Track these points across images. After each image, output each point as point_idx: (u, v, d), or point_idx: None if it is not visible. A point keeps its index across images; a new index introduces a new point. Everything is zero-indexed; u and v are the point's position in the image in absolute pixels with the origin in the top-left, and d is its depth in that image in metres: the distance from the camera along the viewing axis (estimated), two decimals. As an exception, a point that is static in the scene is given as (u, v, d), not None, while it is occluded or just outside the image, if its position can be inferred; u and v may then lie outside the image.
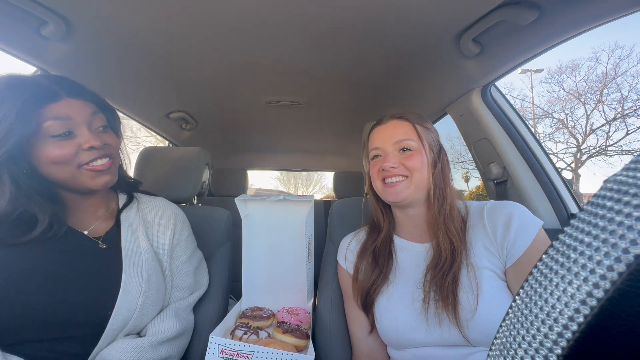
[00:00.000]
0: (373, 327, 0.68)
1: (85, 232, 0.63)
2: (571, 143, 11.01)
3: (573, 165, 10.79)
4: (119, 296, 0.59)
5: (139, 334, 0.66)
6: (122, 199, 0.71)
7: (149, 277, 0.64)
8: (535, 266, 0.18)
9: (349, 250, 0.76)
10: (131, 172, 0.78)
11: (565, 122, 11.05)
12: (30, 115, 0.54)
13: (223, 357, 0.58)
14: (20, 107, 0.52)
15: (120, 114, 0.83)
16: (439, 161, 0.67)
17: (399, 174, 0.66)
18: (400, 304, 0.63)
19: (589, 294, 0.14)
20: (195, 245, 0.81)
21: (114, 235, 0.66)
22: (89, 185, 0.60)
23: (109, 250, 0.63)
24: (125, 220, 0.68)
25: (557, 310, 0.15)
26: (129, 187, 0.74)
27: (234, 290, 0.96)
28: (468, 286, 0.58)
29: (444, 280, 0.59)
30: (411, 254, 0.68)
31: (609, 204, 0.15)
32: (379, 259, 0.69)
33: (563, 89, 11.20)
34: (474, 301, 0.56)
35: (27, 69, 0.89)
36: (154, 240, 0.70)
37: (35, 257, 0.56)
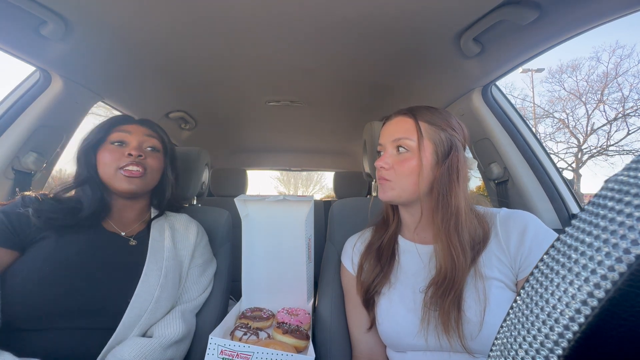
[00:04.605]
0: (372, 324, 0.68)
1: (123, 234, 0.75)
2: (572, 143, 11.02)
3: (574, 165, 10.80)
4: (138, 285, 0.67)
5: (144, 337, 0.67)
6: (154, 213, 0.84)
7: (167, 272, 0.72)
8: (537, 266, 0.18)
9: (354, 253, 0.75)
10: None
11: (566, 121, 11.05)
12: (105, 128, 0.77)
13: (222, 358, 0.58)
14: (103, 123, 0.78)
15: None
16: (444, 164, 0.61)
17: (386, 176, 0.64)
18: (402, 307, 0.62)
19: (590, 295, 0.14)
20: (211, 256, 0.88)
21: (144, 236, 0.77)
22: (119, 187, 0.73)
23: (138, 246, 0.74)
24: (155, 225, 0.80)
25: (558, 310, 0.15)
26: (163, 206, 0.86)
27: (234, 291, 0.96)
28: (475, 298, 0.56)
29: (445, 300, 0.56)
30: (414, 257, 0.67)
31: (610, 204, 0.15)
32: (381, 257, 0.69)
33: (564, 88, 11.22)
34: (480, 314, 0.55)
35: (26, 68, 0.90)
36: (179, 242, 0.80)
37: (77, 251, 0.66)
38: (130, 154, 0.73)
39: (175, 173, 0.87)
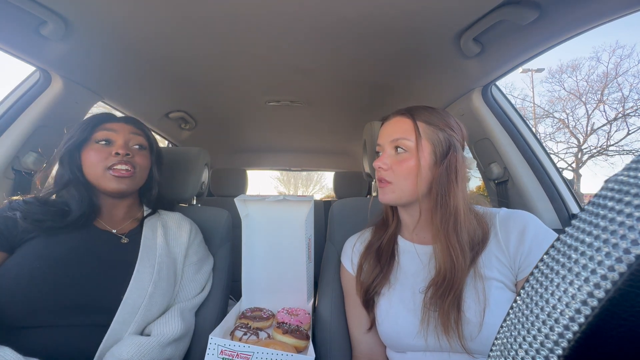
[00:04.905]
0: (372, 325, 0.68)
1: (114, 231, 0.75)
2: (572, 143, 11.02)
3: (574, 165, 10.80)
4: (131, 281, 0.67)
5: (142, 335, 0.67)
6: (147, 211, 0.84)
7: (160, 269, 0.72)
8: (537, 266, 0.18)
9: (354, 253, 0.75)
10: None
11: (566, 121, 11.06)
12: (89, 127, 0.74)
13: (222, 358, 0.58)
14: (86, 122, 0.75)
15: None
16: (442, 164, 0.61)
17: (385, 176, 0.64)
18: (402, 308, 0.62)
19: (590, 295, 0.14)
20: (207, 253, 0.87)
21: (136, 234, 0.77)
22: (107, 187, 0.72)
23: (130, 244, 0.74)
24: (147, 224, 0.80)
25: (558, 310, 0.15)
26: (154, 204, 0.86)
27: (234, 291, 0.96)
28: (475, 298, 0.56)
29: (445, 301, 0.56)
30: (414, 257, 0.67)
31: (610, 204, 0.15)
32: (381, 258, 0.69)
33: (564, 88, 11.23)
34: (480, 314, 0.55)
35: (26, 68, 0.90)
36: (172, 240, 0.80)
37: (68, 248, 0.66)
38: (117, 153, 0.72)
39: (161, 171, 0.87)
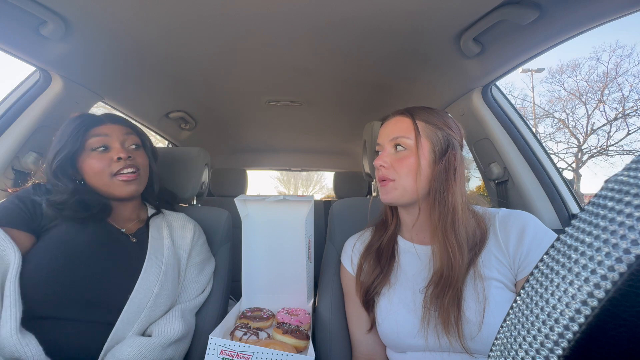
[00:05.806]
0: (372, 325, 0.68)
1: (123, 231, 0.76)
2: (572, 143, 11.03)
3: (574, 165, 10.81)
4: (138, 280, 0.67)
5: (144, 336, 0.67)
6: (151, 211, 0.85)
7: (166, 270, 0.73)
8: (537, 266, 0.18)
9: (354, 253, 0.75)
10: None
11: (566, 121, 11.06)
12: (79, 135, 0.71)
13: (222, 358, 0.58)
14: (72, 130, 0.71)
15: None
16: (441, 162, 0.61)
17: (387, 174, 0.64)
18: (402, 308, 0.62)
19: (590, 295, 0.14)
20: (209, 255, 0.88)
21: (143, 234, 0.78)
22: (118, 193, 0.73)
23: (138, 244, 0.75)
24: (153, 224, 0.81)
25: (558, 310, 0.15)
26: (157, 202, 0.88)
27: (234, 291, 0.96)
28: (475, 298, 0.56)
29: (444, 299, 0.57)
30: (414, 257, 0.67)
31: (610, 204, 0.15)
32: (381, 258, 0.69)
33: (564, 88, 11.23)
34: (480, 314, 0.55)
35: (26, 68, 0.90)
36: (177, 240, 0.81)
37: (85, 241, 0.67)
38: (119, 158, 0.72)
39: (156, 164, 0.86)
